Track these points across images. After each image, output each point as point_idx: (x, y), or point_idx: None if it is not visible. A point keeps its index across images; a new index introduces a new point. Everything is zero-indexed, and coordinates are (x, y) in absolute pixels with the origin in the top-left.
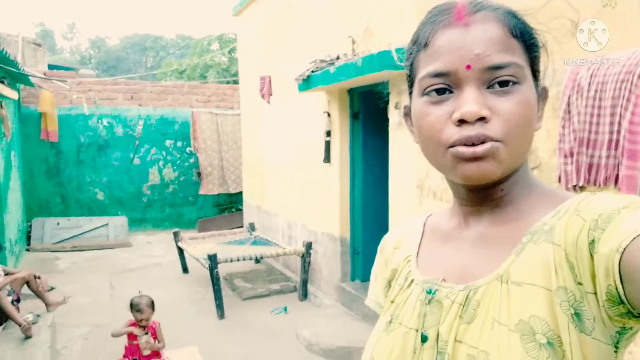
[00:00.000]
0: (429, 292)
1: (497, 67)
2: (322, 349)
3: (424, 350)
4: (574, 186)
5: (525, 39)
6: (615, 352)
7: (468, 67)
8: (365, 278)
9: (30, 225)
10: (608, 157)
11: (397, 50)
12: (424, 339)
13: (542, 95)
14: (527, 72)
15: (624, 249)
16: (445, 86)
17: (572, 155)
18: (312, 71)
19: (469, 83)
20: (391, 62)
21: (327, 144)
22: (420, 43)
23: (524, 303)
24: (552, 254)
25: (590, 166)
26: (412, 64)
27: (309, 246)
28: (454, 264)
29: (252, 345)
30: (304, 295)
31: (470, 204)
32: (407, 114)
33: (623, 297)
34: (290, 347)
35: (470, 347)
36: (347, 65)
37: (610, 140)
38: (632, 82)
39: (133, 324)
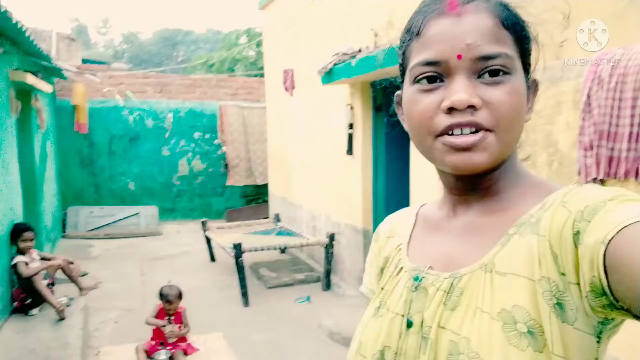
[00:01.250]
0: (416, 279)
1: (488, 57)
2: (344, 337)
3: (409, 335)
4: (594, 179)
5: (517, 31)
6: (598, 342)
7: (459, 56)
8: None
9: (66, 213)
10: (629, 150)
11: None
12: (409, 324)
13: (533, 87)
14: (518, 63)
15: (609, 241)
16: (436, 74)
17: (592, 148)
18: (335, 64)
19: (459, 72)
20: None
21: (350, 136)
22: (412, 32)
23: (506, 292)
24: (537, 245)
25: (610, 159)
26: (404, 53)
27: (332, 237)
28: (442, 253)
29: (275, 333)
30: (327, 285)
31: (459, 193)
32: (399, 102)
33: (606, 289)
34: (313, 336)
35: (453, 333)
36: (368, 58)
37: (630, 134)
38: None
39: (161, 309)
